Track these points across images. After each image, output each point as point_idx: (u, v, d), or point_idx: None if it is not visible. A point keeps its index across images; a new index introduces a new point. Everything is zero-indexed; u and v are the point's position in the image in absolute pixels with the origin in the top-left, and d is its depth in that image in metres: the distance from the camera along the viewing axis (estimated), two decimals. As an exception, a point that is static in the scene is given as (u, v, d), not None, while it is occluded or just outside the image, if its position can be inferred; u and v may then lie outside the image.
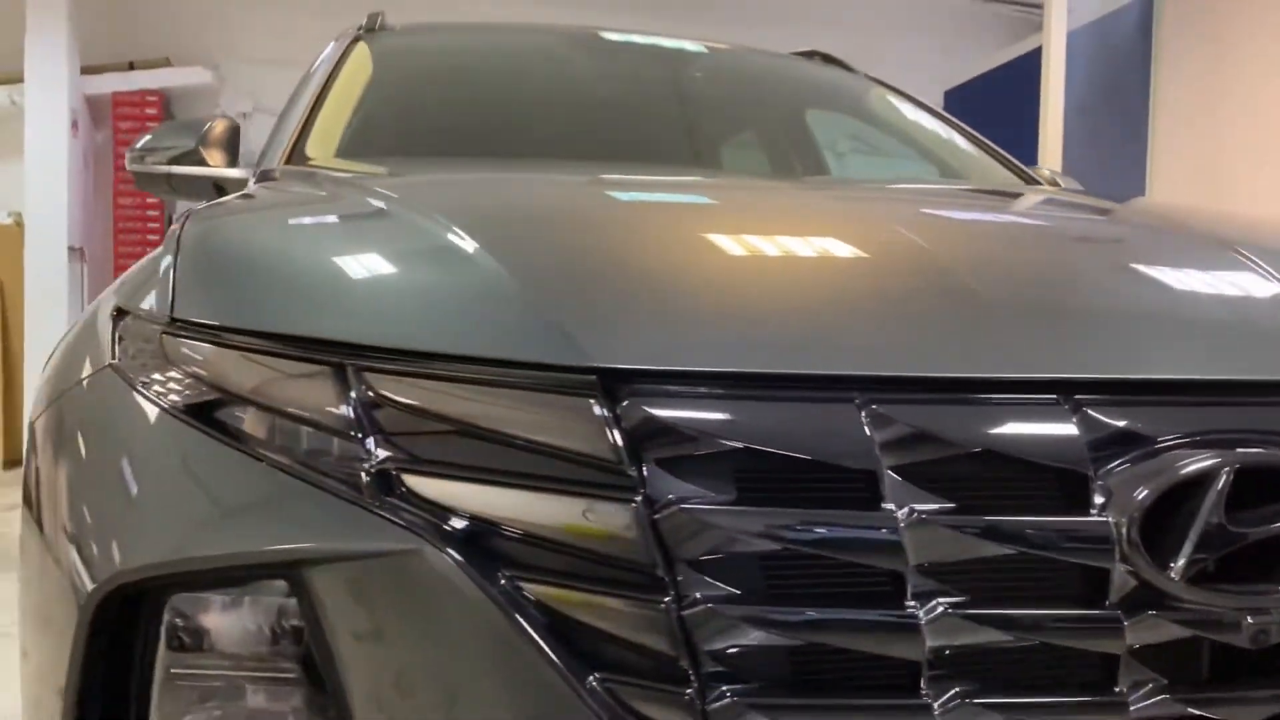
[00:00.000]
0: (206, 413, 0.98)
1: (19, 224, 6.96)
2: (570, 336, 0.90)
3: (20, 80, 6.78)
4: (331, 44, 2.71)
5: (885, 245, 1.17)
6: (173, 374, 1.01)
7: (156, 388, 1.02)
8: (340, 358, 0.93)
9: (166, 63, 7.24)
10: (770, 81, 2.91)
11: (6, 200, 7.13)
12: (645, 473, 0.86)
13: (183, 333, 1.02)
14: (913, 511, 0.87)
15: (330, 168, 1.98)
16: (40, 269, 6.81)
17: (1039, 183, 2.52)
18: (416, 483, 0.89)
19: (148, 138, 2.41)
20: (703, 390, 0.89)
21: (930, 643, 0.87)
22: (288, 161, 2.06)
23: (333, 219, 1.28)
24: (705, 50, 2.88)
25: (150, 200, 7.17)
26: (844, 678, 0.89)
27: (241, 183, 2.16)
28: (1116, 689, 0.91)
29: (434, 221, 1.12)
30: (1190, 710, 0.92)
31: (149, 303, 1.10)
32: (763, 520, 0.87)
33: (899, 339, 0.95)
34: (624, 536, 0.85)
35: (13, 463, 6.92)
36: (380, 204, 1.26)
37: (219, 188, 2.32)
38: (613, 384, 0.88)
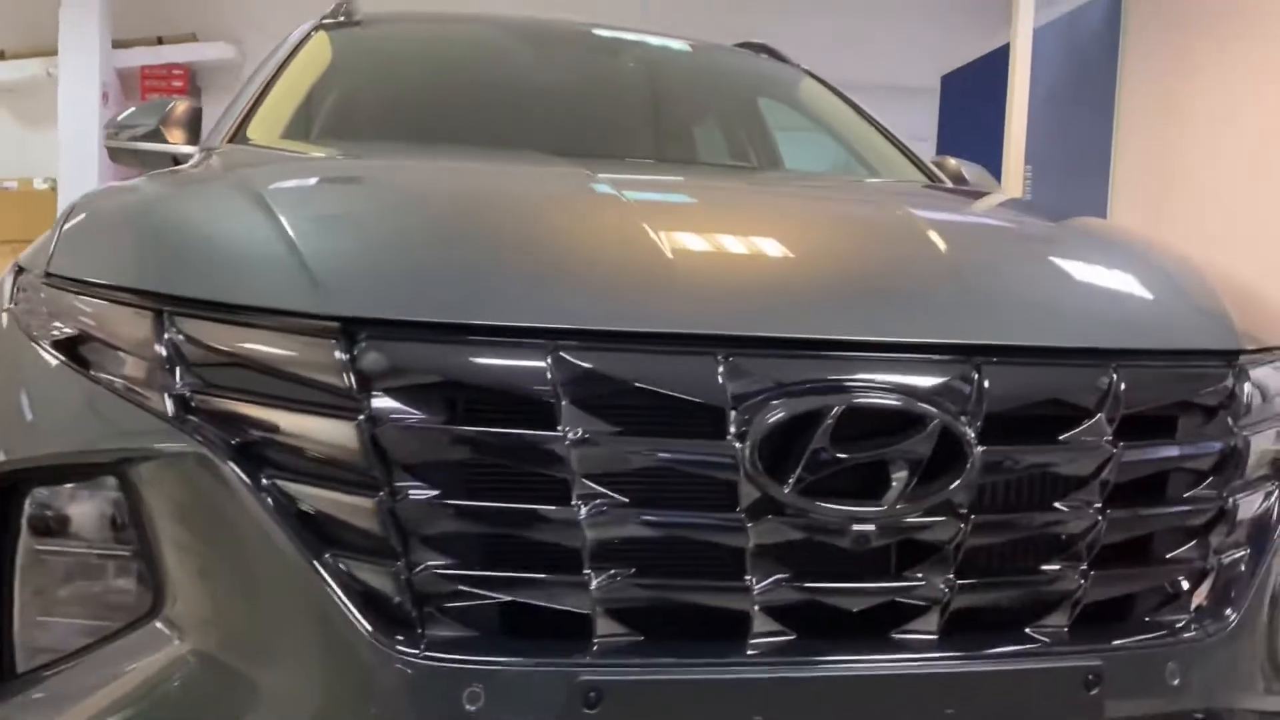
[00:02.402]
0: (65, 346, 1.26)
1: (54, 189, 7.36)
2: (322, 291, 1.16)
3: (54, 53, 7.17)
4: (295, 31, 2.98)
5: (573, 221, 1.42)
6: (46, 317, 1.29)
7: (34, 328, 1.30)
8: (158, 304, 1.20)
9: (193, 38, 7.60)
10: (694, 69, 3.15)
11: (42, 166, 7.53)
12: (370, 398, 1.12)
13: (52, 285, 1.30)
14: (580, 433, 1.12)
15: (266, 147, 2.26)
16: (71, 232, 7.17)
17: (931, 173, 2.73)
18: (204, 402, 1.16)
19: (126, 114, 2.68)
20: (418, 335, 1.14)
21: (590, 534, 1.13)
22: (230, 141, 2.33)
23: (170, 194, 1.56)
24: (639, 40, 3.12)
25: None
26: (521, 558, 1.15)
27: (188, 159, 2.44)
28: (746, 578, 1.16)
29: (246, 197, 1.39)
30: (804, 597, 1.17)
31: (36, 261, 1.38)
32: (459, 436, 1.13)
33: (579, 297, 1.20)
34: (350, 447, 1.12)
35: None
36: (214, 181, 1.54)
37: (177, 162, 2.60)
38: (351, 328, 1.14)
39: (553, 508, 1.13)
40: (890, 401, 1.17)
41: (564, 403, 1.13)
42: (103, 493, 1.21)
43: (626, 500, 1.14)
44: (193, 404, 1.16)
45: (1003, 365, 1.23)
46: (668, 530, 1.15)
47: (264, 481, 1.13)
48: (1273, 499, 1.38)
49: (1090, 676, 1.21)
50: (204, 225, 1.35)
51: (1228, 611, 1.32)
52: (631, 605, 1.15)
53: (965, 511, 1.20)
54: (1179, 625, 1.30)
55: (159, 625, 1.17)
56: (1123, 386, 1.27)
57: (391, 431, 1.12)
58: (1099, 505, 1.25)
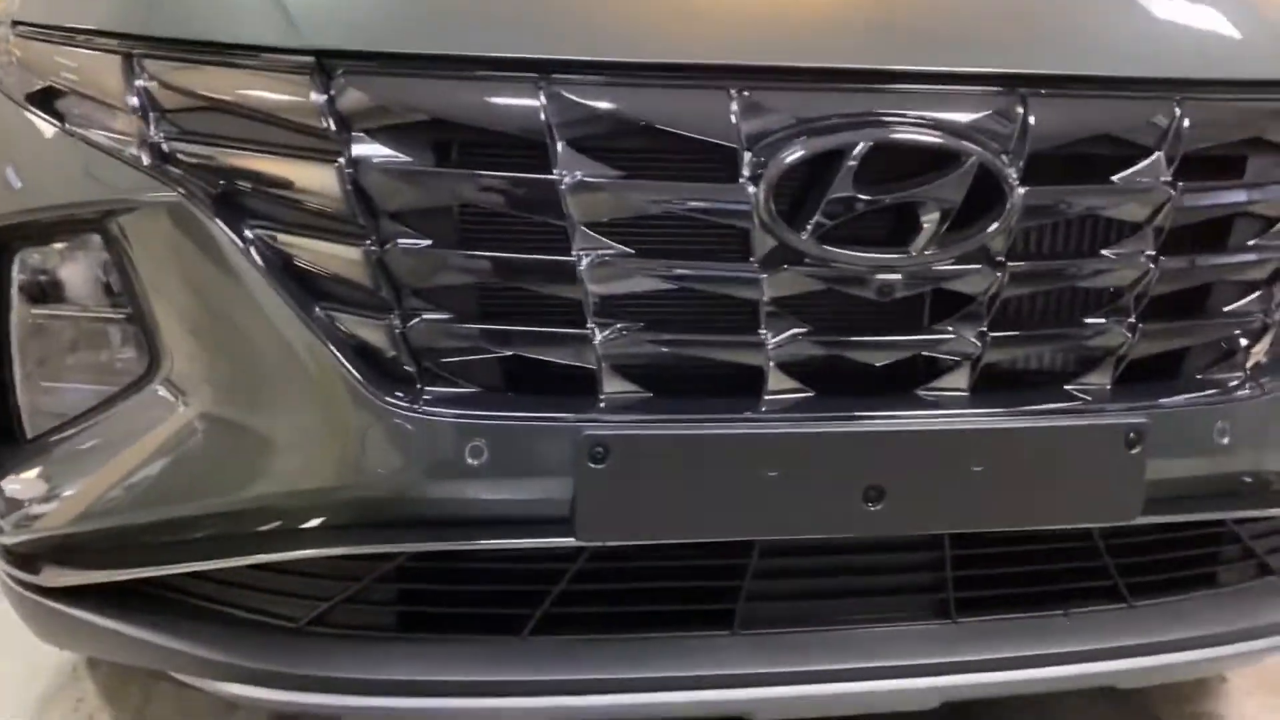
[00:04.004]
0: (37, 98, 1.18)
1: None
2: (294, 24, 1.06)
3: None
4: None
5: None
6: (17, 69, 1.21)
7: (5, 82, 1.22)
8: (126, 47, 1.11)
9: None
10: None
11: None
12: (350, 140, 1.04)
13: (20, 35, 1.21)
14: (578, 176, 1.03)
15: None
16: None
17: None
18: (180, 149, 1.08)
19: None
20: (399, 69, 1.04)
21: (592, 286, 1.05)
22: None
23: None
24: None
25: None
26: (521, 312, 1.08)
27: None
28: (761, 332, 1.09)
29: None
30: (824, 352, 1.10)
31: (8, 12, 1.29)
32: (447, 180, 1.05)
33: (574, 25, 1.08)
34: (332, 194, 1.04)
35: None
36: None
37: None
38: (328, 63, 1.04)
39: (550, 258, 1.05)
40: (922, 137, 1.06)
41: (560, 143, 1.03)
42: (90, 252, 1.16)
43: (631, 250, 1.06)
44: (169, 153, 1.09)
45: (1050, 98, 1.10)
46: (676, 282, 1.07)
47: (247, 233, 1.07)
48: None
49: (1132, 434, 1.14)
50: None
51: None
52: (640, 361, 1.09)
53: (1002, 259, 1.10)
54: (1233, 383, 1.22)
55: (157, 385, 1.13)
56: (1186, 122, 1.13)
57: (375, 175, 1.04)
58: (1151, 253, 1.15)
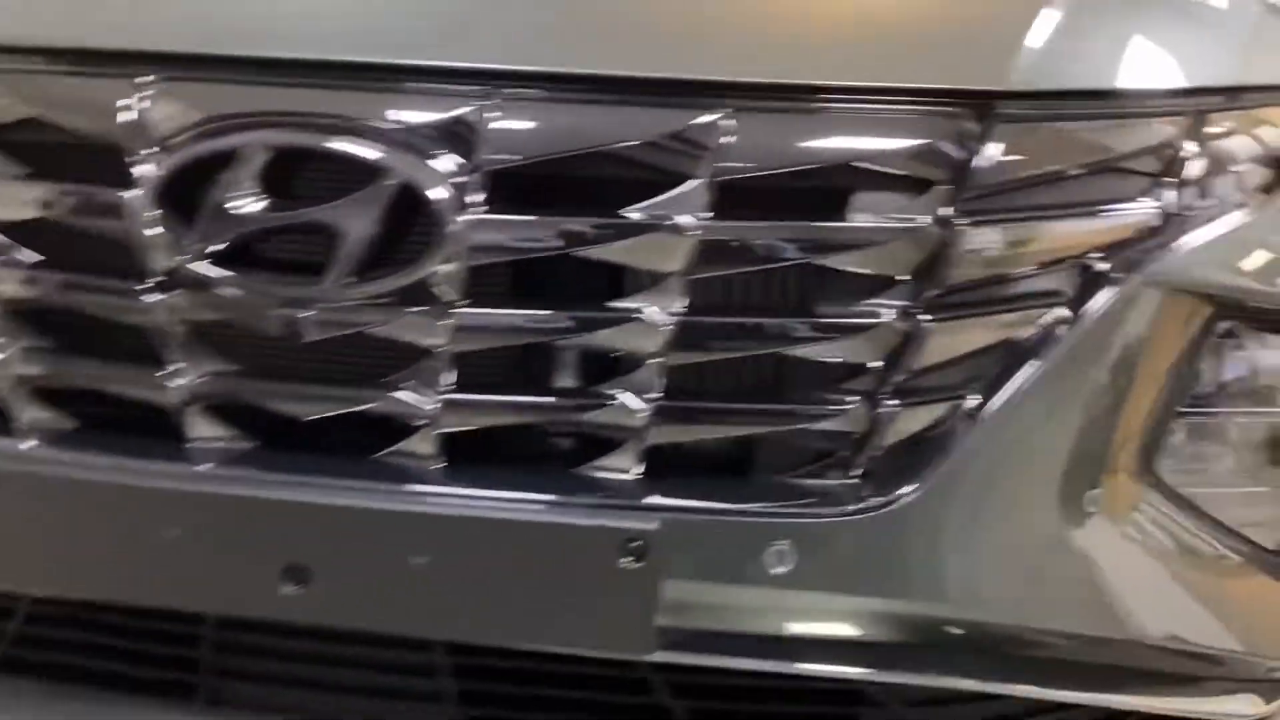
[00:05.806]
0: None
1: None
2: None
3: None
4: None
5: None
6: None
7: None
8: None
9: None
10: None
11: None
12: None
13: None
14: None
15: None
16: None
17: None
18: None
19: None
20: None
21: None
22: None
23: None
24: None
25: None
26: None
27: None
28: (168, 365, 0.92)
29: None
30: (229, 391, 0.92)
31: None
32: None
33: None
34: None
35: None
36: None
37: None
38: None
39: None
40: (333, 146, 0.86)
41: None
42: None
43: (34, 256, 0.93)
44: None
45: (526, 103, 0.86)
46: (60, 297, 0.93)
47: None
48: (1020, 331, 0.91)
49: (631, 544, 0.87)
50: None
51: (901, 483, 0.90)
52: (47, 386, 0.96)
53: (452, 303, 0.87)
54: (808, 492, 0.91)
55: None
56: (731, 139, 0.85)
57: None
58: (674, 311, 0.87)
